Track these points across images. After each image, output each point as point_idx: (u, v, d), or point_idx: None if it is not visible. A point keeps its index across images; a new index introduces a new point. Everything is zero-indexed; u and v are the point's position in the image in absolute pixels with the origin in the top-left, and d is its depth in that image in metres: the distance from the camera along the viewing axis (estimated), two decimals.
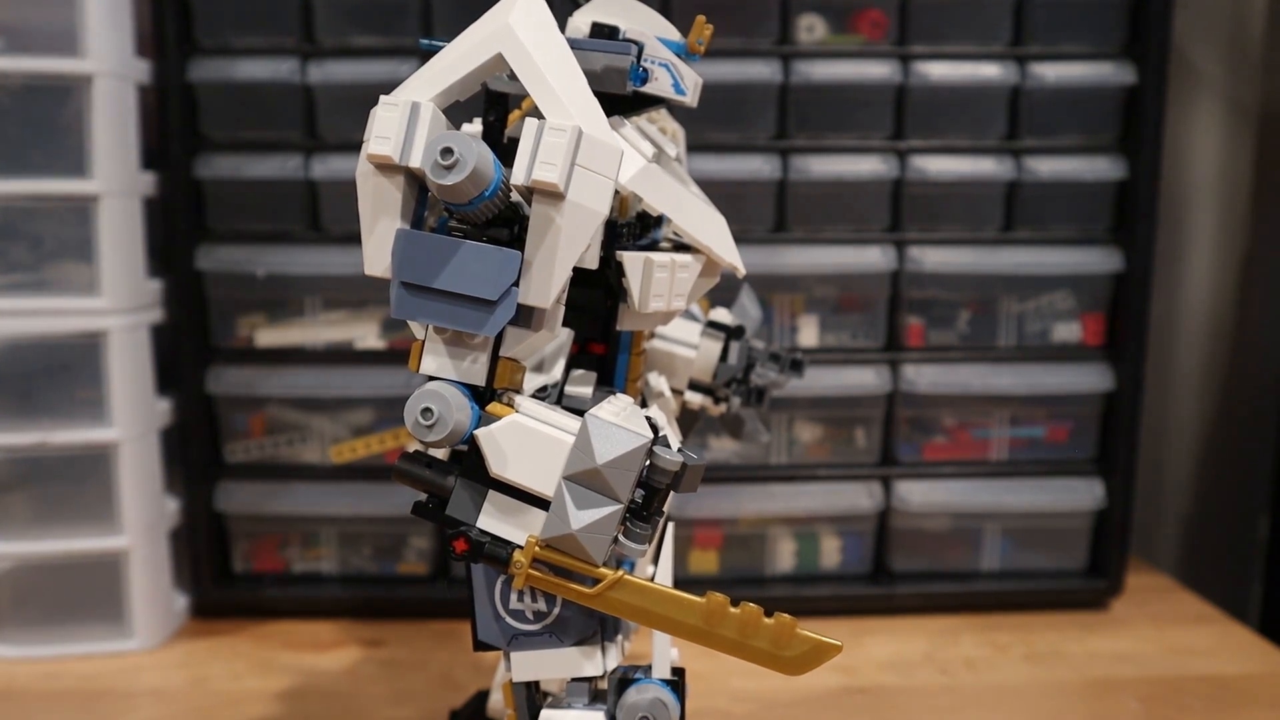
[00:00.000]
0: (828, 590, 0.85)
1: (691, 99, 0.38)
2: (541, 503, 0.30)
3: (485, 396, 0.30)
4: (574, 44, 0.32)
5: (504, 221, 0.29)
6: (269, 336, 0.82)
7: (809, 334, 0.83)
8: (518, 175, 0.28)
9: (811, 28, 0.81)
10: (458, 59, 0.29)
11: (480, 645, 0.33)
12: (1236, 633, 0.81)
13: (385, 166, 0.29)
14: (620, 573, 0.28)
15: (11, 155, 0.72)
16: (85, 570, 0.76)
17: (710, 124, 0.78)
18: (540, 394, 0.37)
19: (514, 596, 0.33)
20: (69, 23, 0.71)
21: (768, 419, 0.83)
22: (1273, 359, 1.07)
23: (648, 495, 0.30)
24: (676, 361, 0.51)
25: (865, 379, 0.82)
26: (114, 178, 0.73)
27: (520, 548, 0.29)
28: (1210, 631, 0.81)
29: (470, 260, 0.28)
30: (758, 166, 0.79)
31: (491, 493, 0.30)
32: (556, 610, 0.33)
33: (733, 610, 0.26)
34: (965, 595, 0.85)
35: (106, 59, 0.72)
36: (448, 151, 0.26)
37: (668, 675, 0.35)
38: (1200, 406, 1.09)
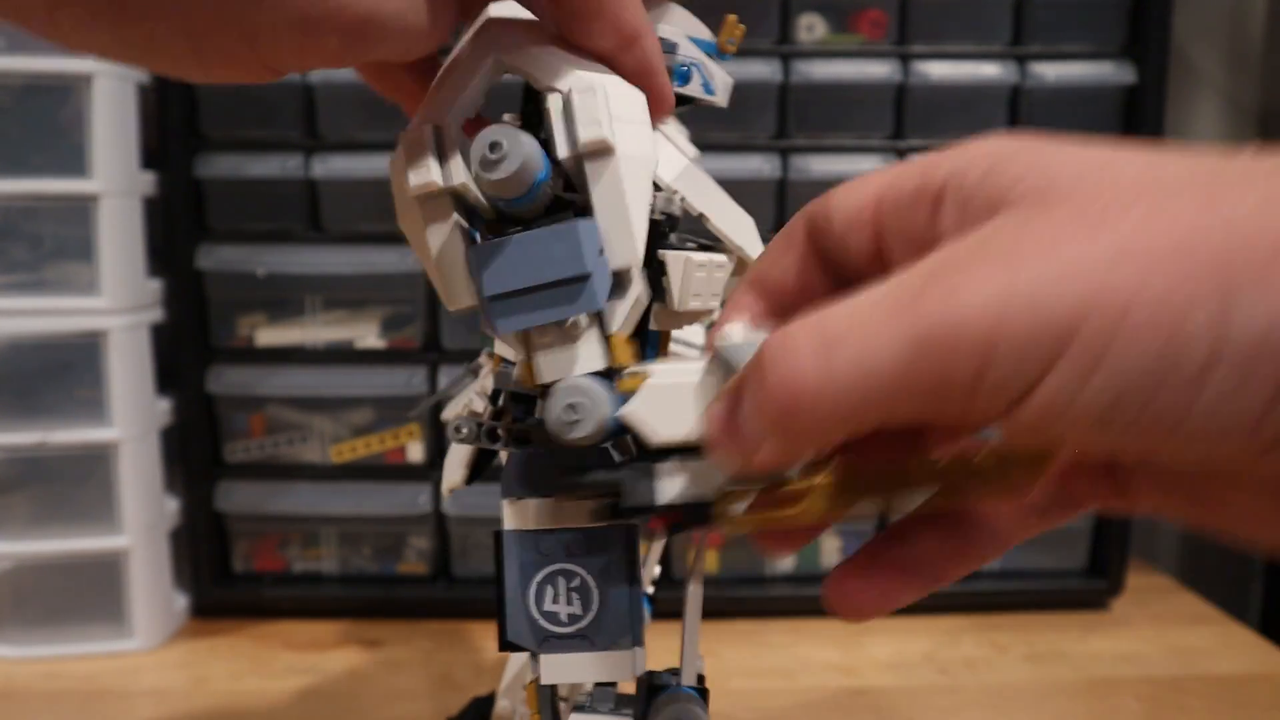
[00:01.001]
0: None
1: (722, 99, 0.38)
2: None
3: (610, 378, 0.29)
4: None
5: (561, 207, 0.28)
6: (269, 336, 0.82)
7: None
8: (562, 149, 0.27)
9: (811, 27, 0.81)
10: (456, 73, 0.29)
11: (508, 645, 0.32)
12: (1236, 633, 0.81)
13: (430, 196, 0.28)
14: (823, 476, 0.28)
15: (11, 155, 0.72)
16: (85, 570, 0.76)
17: (710, 124, 0.78)
18: None
19: (548, 598, 0.32)
20: None
21: None
22: None
23: None
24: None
25: None
26: (114, 177, 0.73)
27: (713, 503, 0.29)
28: (1210, 631, 0.81)
29: (552, 244, 0.27)
30: (758, 166, 0.79)
31: (659, 466, 0.29)
32: (592, 613, 0.32)
33: (943, 463, 0.25)
34: (965, 595, 0.85)
35: None
36: (496, 145, 0.26)
37: (694, 682, 0.35)
38: None
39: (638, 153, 0.28)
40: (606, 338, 0.29)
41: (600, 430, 0.28)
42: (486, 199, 0.28)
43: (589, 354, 0.29)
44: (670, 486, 0.29)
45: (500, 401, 0.39)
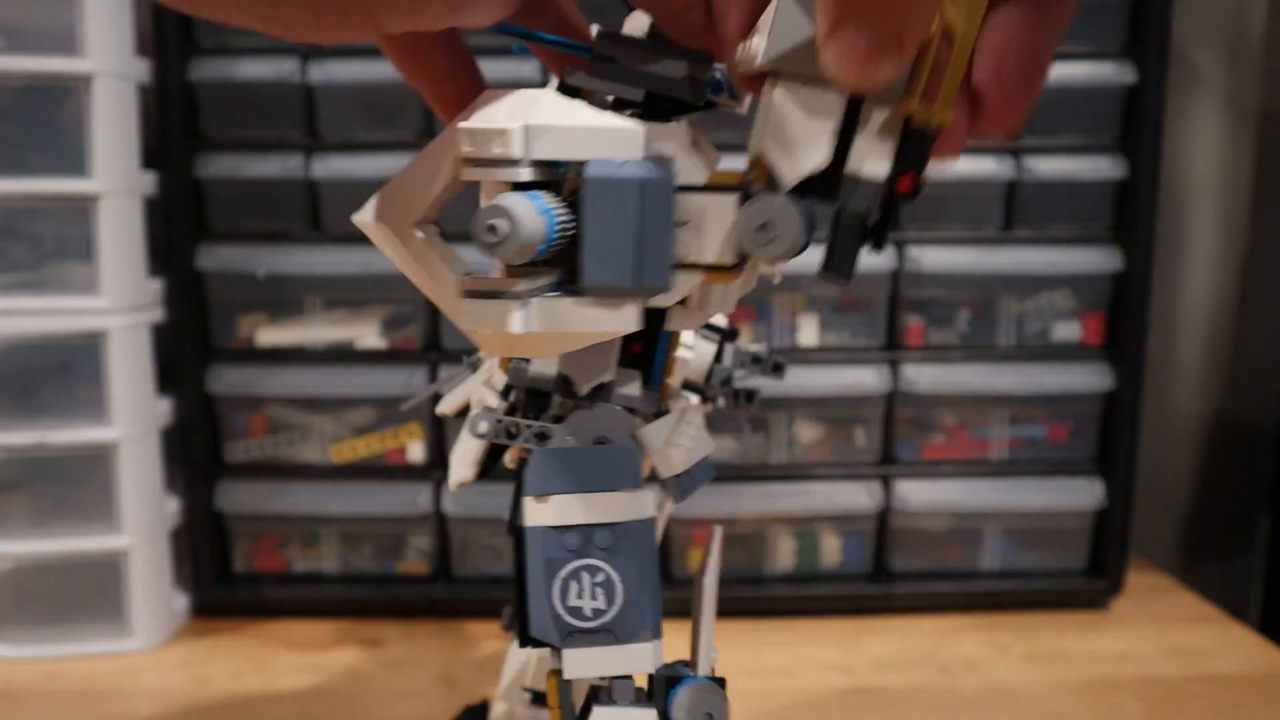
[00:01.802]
0: (828, 590, 0.85)
1: (744, 106, 0.38)
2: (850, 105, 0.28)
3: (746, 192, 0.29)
4: (655, 47, 0.32)
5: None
6: (269, 336, 0.82)
7: (809, 333, 0.83)
8: (520, 176, 0.27)
9: None
10: (427, 177, 0.29)
11: (530, 641, 0.33)
12: (1236, 633, 0.81)
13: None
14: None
15: (11, 155, 0.72)
16: (85, 570, 0.76)
17: (710, 124, 0.78)
18: (596, 392, 0.37)
19: (573, 593, 0.32)
20: (69, 22, 0.71)
21: (760, 416, 0.84)
22: (1273, 359, 1.07)
23: None
24: (674, 363, 0.51)
25: (865, 378, 0.82)
26: (114, 177, 0.73)
27: (914, 120, 0.27)
28: (1210, 631, 0.81)
29: (601, 205, 0.27)
30: None
31: (849, 166, 0.28)
32: (616, 608, 0.32)
33: None
34: (965, 595, 0.85)
35: (106, 59, 0.72)
36: (491, 229, 0.26)
37: (709, 674, 0.35)
38: (1200, 406, 1.09)
39: (531, 105, 0.28)
40: (708, 187, 0.29)
41: (799, 224, 0.28)
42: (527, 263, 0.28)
43: (717, 209, 0.29)
44: (876, 161, 0.27)
45: (512, 397, 0.39)
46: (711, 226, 0.29)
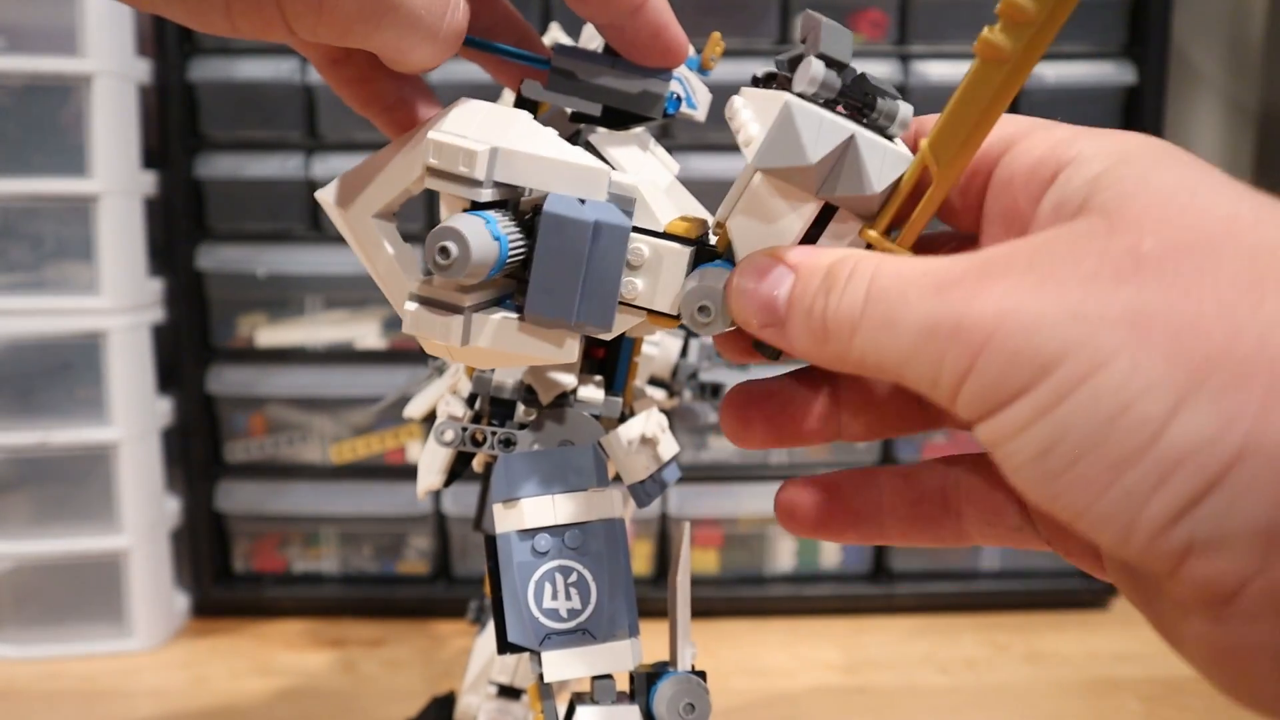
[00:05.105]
0: (828, 590, 0.85)
1: (701, 114, 0.38)
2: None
3: (705, 253, 0.29)
4: (615, 62, 0.32)
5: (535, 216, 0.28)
6: (269, 336, 0.82)
7: None
8: (479, 196, 0.27)
9: None
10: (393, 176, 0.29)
11: (508, 647, 0.33)
12: None
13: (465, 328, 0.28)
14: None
15: (11, 155, 0.72)
16: (85, 570, 0.76)
17: (710, 124, 0.78)
18: (560, 399, 0.37)
19: (548, 595, 0.32)
20: (69, 22, 0.71)
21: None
22: None
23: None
24: (636, 367, 0.51)
25: None
26: (114, 177, 0.73)
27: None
28: None
29: (554, 239, 0.27)
30: None
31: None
32: (591, 607, 0.32)
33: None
34: (965, 595, 0.85)
35: (106, 59, 0.72)
36: (444, 250, 0.26)
37: (689, 669, 0.35)
38: None
39: (504, 127, 0.28)
40: (663, 235, 0.29)
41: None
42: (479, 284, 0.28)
43: (670, 261, 0.29)
44: None
45: (477, 405, 0.40)
46: (664, 275, 0.29)
